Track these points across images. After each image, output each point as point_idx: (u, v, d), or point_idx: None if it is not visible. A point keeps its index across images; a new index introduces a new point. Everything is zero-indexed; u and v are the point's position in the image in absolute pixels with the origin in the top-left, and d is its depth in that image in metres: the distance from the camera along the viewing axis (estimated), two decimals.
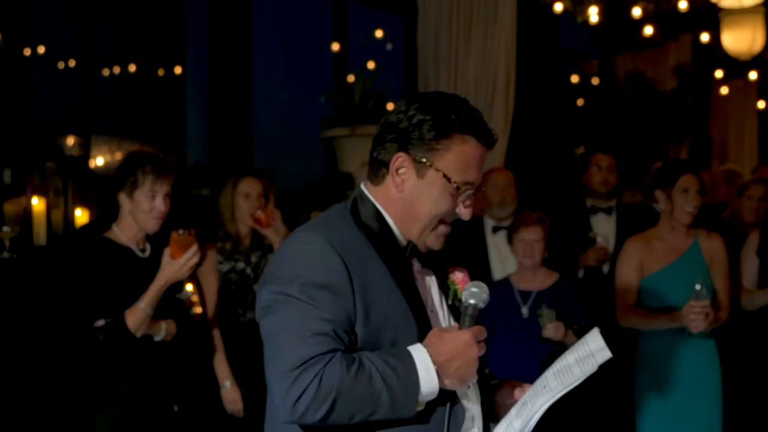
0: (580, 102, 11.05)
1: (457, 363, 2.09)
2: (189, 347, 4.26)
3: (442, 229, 2.26)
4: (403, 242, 2.26)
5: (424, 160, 2.19)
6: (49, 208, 5.12)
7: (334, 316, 2.07)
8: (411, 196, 2.21)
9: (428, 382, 2.07)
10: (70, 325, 3.95)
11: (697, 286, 4.42)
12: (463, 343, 2.09)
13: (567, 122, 9.47)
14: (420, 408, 2.10)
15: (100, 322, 3.80)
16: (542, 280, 5.17)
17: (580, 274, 5.96)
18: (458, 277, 2.33)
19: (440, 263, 2.38)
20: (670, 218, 4.79)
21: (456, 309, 2.34)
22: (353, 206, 2.27)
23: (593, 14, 9.26)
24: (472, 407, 2.25)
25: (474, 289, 2.18)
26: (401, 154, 2.21)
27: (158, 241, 3.99)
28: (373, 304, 2.11)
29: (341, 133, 7.91)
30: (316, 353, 2.03)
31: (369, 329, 2.11)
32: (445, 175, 2.19)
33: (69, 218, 5.33)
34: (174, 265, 3.82)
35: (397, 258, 2.21)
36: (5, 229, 4.82)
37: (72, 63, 6.90)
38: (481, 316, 2.21)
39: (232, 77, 7.78)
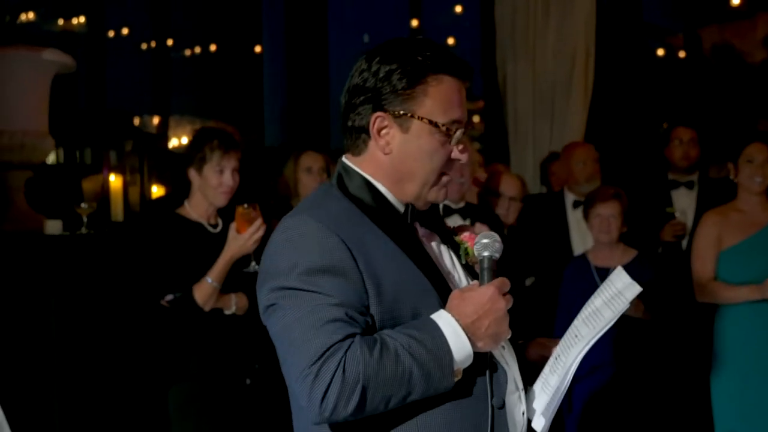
0: (665, 76, 10.79)
1: (487, 321, 1.94)
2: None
3: (445, 179, 2.09)
4: (401, 208, 2.09)
5: (403, 112, 2.01)
6: (126, 185, 5.19)
7: (344, 299, 1.90)
8: (401, 154, 2.04)
9: (460, 347, 1.92)
10: (142, 300, 4.01)
11: None
12: (488, 298, 1.94)
13: (650, 96, 9.25)
14: (458, 377, 1.94)
15: (169, 297, 3.84)
16: (620, 256, 5.04)
17: (660, 250, 5.82)
18: (466, 235, 2.18)
19: (444, 225, 2.24)
20: (744, 191, 4.65)
21: (470, 268, 2.19)
22: (339, 182, 2.10)
23: None
24: (512, 368, 2.10)
25: (485, 240, 2.02)
26: (378, 113, 2.03)
27: (231, 216, 4.01)
28: (382, 278, 1.94)
29: None
30: (333, 342, 1.86)
31: (384, 306, 1.94)
32: (430, 121, 2.01)
33: (145, 195, 5.41)
34: (239, 239, 3.83)
35: (398, 226, 2.05)
36: (83, 205, 4.92)
37: (152, 44, 6.99)
38: (499, 269, 2.04)
39: (308, 57, 7.79)
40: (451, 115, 2.03)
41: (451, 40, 9.16)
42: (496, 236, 2.04)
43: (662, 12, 10.70)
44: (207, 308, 3.85)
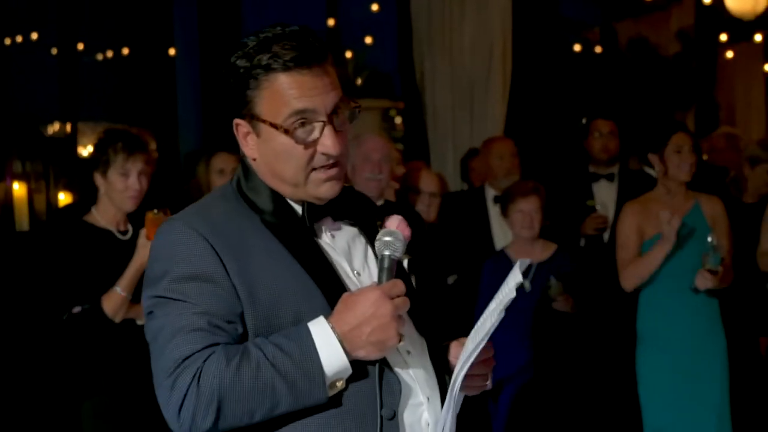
0: (582, 70, 10.87)
1: (369, 328, 1.81)
2: None
3: (321, 175, 1.95)
4: (298, 207, 2.00)
5: (250, 116, 1.94)
6: (31, 193, 4.99)
7: (209, 307, 1.83)
8: (263, 158, 1.97)
9: (333, 358, 1.81)
10: (48, 313, 3.86)
11: (709, 238, 4.35)
12: (371, 303, 1.81)
13: (569, 90, 9.30)
14: (338, 388, 1.84)
15: (77, 309, 3.69)
16: (540, 251, 5.04)
17: (582, 243, 5.82)
18: (391, 224, 1.99)
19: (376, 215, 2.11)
20: (666, 181, 4.65)
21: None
22: (237, 182, 2.03)
23: None
24: (418, 376, 1.96)
25: (387, 238, 1.91)
26: (236, 119, 1.98)
27: (141, 223, 3.86)
28: (258, 283, 1.86)
29: None
30: (192, 352, 1.79)
31: (259, 311, 1.86)
32: (271, 123, 1.92)
33: (52, 204, 5.22)
34: (149, 246, 3.68)
35: (289, 227, 1.96)
36: None
37: (58, 50, 6.80)
38: (397, 269, 1.93)
39: (223, 59, 7.63)
40: (291, 108, 1.91)
41: (368, 39, 9.06)
42: (400, 235, 1.93)
43: (579, 6, 10.78)
44: (117, 319, 3.71)
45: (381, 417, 1.87)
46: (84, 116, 6.77)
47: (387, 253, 1.90)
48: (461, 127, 7.93)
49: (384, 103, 8.39)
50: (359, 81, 7.84)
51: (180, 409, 1.78)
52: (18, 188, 4.91)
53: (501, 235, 5.69)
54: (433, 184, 5.08)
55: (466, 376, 1.94)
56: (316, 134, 1.92)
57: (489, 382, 2.11)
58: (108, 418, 3.78)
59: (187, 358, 1.79)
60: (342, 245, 2.03)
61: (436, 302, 4.55)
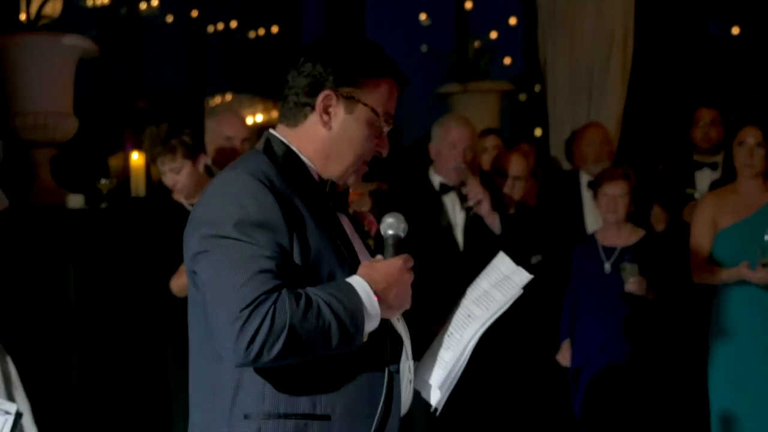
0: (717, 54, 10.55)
1: (395, 290, 2.11)
2: None
3: (364, 169, 2.28)
4: (322, 183, 2.26)
5: (352, 96, 2.21)
6: (149, 162, 5.41)
7: (275, 254, 2.03)
8: (340, 132, 2.22)
9: (372, 309, 2.08)
10: (151, 273, 4.25)
11: (766, 236, 4.32)
12: (398, 270, 2.13)
13: (695, 76, 9.11)
14: (365, 339, 2.10)
15: None
16: (627, 236, 5.08)
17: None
18: (369, 220, 2.43)
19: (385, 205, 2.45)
20: (741, 173, 4.65)
21: (369, 247, 2.39)
22: (266, 148, 2.24)
23: None
24: (405, 339, 2.26)
25: (390, 220, 2.20)
26: (328, 91, 2.20)
27: None
28: (306, 240, 2.11)
29: (454, 90, 7.97)
30: (264, 290, 1.98)
31: (307, 265, 2.10)
32: (373, 109, 2.22)
33: None
34: None
35: (318, 198, 2.21)
36: (103, 181, 5.18)
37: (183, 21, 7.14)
38: (404, 246, 2.22)
39: (345, 32, 7.91)
40: (388, 109, 2.25)
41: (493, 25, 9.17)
42: (401, 217, 2.21)
43: None
44: (182, 295, 4.01)
45: (388, 371, 2.17)
46: (211, 89, 7.20)
47: (391, 232, 2.20)
48: (580, 112, 7.95)
49: (504, 85, 8.50)
50: (482, 63, 7.97)
51: (251, 341, 1.96)
52: (137, 158, 5.33)
53: (593, 219, 5.77)
54: (519, 168, 5.21)
55: None
56: (385, 132, 2.29)
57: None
58: (186, 359, 4.16)
59: (260, 295, 1.98)
60: (345, 223, 2.32)
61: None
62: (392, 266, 2.13)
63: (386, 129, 2.26)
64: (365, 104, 2.21)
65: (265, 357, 1.98)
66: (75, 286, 4.91)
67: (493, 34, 9.10)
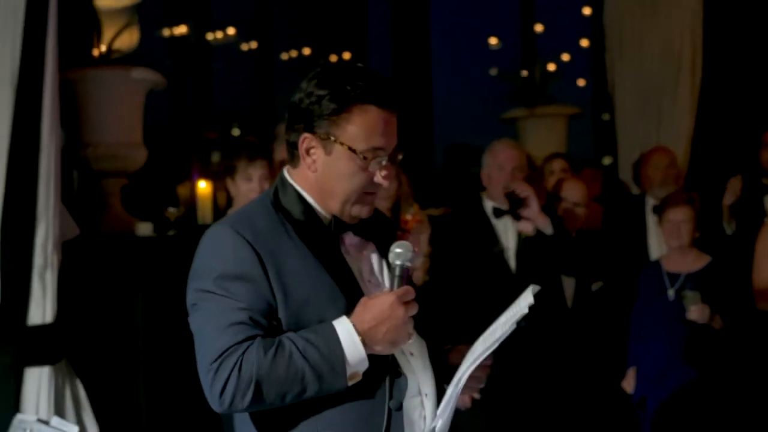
0: None
1: (384, 327, 2.09)
2: None
3: (369, 198, 2.25)
4: (327, 219, 2.27)
5: (328, 136, 2.18)
6: (215, 190, 5.54)
7: (250, 304, 2.09)
8: (324, 174, 2.21)
9: (354, 351, 2.08)
10: None
11: None
12: (388, 306, 2.09)
13: (762, 98, 8.93)
14: (356, 379, 2.11)
15: None
16: (692, 262, 5.05)
17: None
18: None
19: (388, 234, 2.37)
20: None
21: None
22: (274, 193, 2.28)
23: None
24: (417, 374, 2.23)
25: (398, 250, 2.16)
26: (306, 134, 2.19)
27: None
28: (290, 285, 2.13)
29: (521, 114, 7.97)
30: (233, 342, 2.06)
31: (291, 310, 2.13)
32: (350, 148, 2.17)
33: None
34: None
35: (320, 237, 2.23)
36: (171, 209, 5.33)
37: (253, 45, 7.26)
38: (408, 276, 2.18)
39: (413, 69, 7.96)
40: (373, 143, 2.17)
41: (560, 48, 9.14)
42: (409, 246, 2.18)
43: None
44: None
45: (389, 408, 2.16)
46: (281, 116, 7.31)
47: (399, 262, 2.17)
48: (649, 135, 7.89)
49: (571, 109, 8.46)
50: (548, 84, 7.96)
51: (222, 392, 2.05)
52: (204, 186, 5.45)
53: (657, 244, 5.72)
54: (577, 194, 5.19)
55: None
56: (377, 167, 2.21)
57: (481, 385, 2.35)
58: None
59: (229, 347, 2.06)
60: (359, 255, 2.31)
61: (448, 308, 4.67)
62: (383, 302, 2.10)
63: (376, 161, 2.19)
64: (342, 143, 2.17)
65: (239, 405, 2.07)
66: (143, 312, 5.03)
67: (565, 57, 9.10)
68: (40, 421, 3.23)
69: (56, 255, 4.36)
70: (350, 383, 2.11)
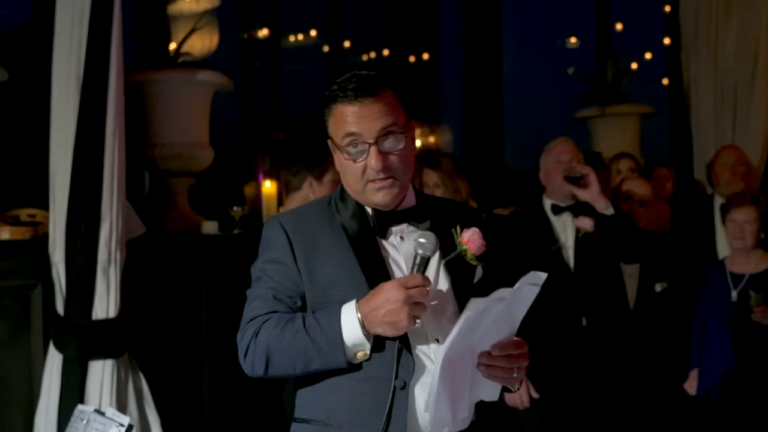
0: None
1: (383, 310, 2.21)
2: None
3: (371, 186, 2.39)
4: (371, 211, 2.45)
5: (329, 137, 2.45)
6: (281, 190, 5.63)
7: (277, 284, 2.36)
8: (341, 171, 2.46)
9: (352, 331, 2.24)
10: None
11: None
12: (388, 290, 2.21)
13: None
14: (362, 358, 2.27)
15: None
16: (756, 263, 4.98)
17: None
18: (465, 237, 2.40)
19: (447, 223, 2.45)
20: None
21: (455, 264, 2.42)
22: (340, 190, 2.51)
23: None
24: (437, 359, 2.25)
25: (421, 240, 2.28)
26: (328, 140, 2.46)
27: None
28: (317, 269, 2.36)
29: (593, 113, 7.91)
30: (257, 314, 2.33)
31: (316, 292, 2.35)
32: (335, 144, 2.42)
33: None
34: None
35: (361, 228, 2.42)
36: (236, 208, 5.46)
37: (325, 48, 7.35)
38: (427, 264, 2.28)
39: (485, 71, 7.94)
40: (344, 131, 2.37)
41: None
42: (432, 237, 2.28)
43: None
44: None
45: (394, 386, 2.27)
46: None
47: (420, 252, 2.28)
48: (724, 134, 7.75)
49: (644, 108, 8.35)
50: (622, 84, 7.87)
51: (244, 356, 2.34)
52: (269, 186, 5.55)
53: (724, 245, 5.62)
54: (640, 191, 5.15)
55: (486, 364, 2.28)
56: (365, 154, 2.36)
57: (516, 377, 2.34)
58: None
59: (252, 319, 2.34)
60: (407, 248, 2.40)
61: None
62: (387, 287, 2.23)
63: (358, 147, 2.35)
64: (331, 139, 2.43)
65: (258, 370, 2.33)
66: (207, 307, 5.15)
67: (648, 55, 8.99)
68: (96, 411, 3.37)
69: (120, 252, 4.51)
70: (357, 360, 2.28)
